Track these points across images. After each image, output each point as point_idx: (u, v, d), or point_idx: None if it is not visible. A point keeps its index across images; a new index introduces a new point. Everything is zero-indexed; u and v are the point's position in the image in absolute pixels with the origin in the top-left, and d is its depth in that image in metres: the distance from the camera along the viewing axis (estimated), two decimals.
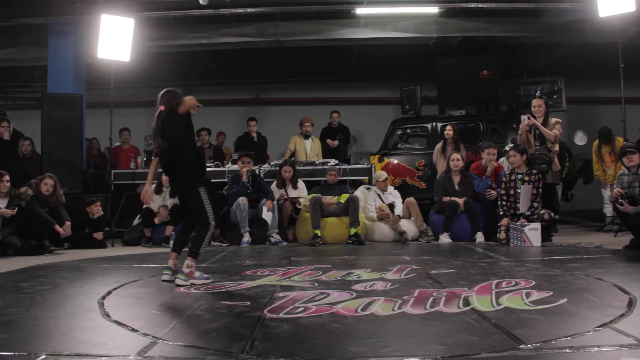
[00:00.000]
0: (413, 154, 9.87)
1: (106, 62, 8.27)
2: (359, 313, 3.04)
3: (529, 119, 6.93)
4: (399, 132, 10.08)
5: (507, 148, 8.02)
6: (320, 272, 4.55)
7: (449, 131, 8.30)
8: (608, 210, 8.19)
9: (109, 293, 3.77)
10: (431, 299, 3.33)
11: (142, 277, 4.52)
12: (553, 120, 6.99)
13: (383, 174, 7.92)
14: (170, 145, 4.20)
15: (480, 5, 9.17)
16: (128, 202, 8.67)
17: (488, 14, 9.89)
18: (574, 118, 11.93)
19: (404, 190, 8.82)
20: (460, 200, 7.18)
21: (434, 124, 9.98)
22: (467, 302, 3.22)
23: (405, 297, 3.39)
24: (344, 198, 7.58)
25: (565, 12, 9.25)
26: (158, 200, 7.71)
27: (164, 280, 4.24)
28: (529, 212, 6.57)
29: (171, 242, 6.80)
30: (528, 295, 3.39)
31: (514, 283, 3.81)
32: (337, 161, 8.66)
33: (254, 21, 9.95)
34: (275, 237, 7.34)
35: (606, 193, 8.38)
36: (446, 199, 7.33)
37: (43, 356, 2.30)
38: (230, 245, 7.27)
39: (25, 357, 2.30)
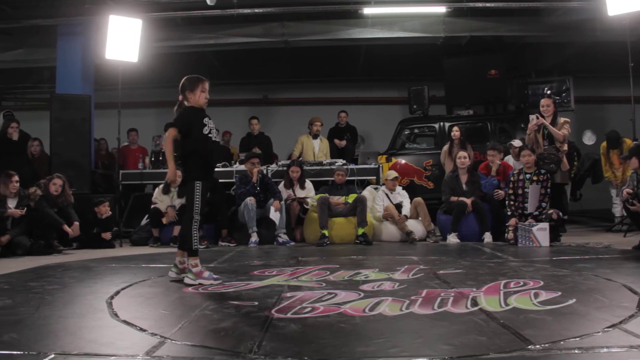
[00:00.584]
0: (421, 153, 9.85)
1: (114, 62, 8.30)
2: (366, 313, 3.03)
3: (537, 118, 6.90)
4: (406, 132, 10.06)
5: (513, 143, 8.02)
6: (328, 272, 4.54)
7: (455, 132, 8.27)
8: (617, 210, 8.15)
9: (117, 293, 3.78)
10: (439, 299, 3.32)
11: (150, 277, 4.53)
12: (562, 119, 6.96)
13: (392, 173, 7.91)
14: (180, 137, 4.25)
15: (487, 4, 9.15)
16: (136, 202, 8.70)
17: (496, 13, 9.86)
18: (583, 117, 11.86)
19: (412, 190, 8.81)
20: (468, 200, 7.16)
21: (441, 123, 9.96)
22: (475, 303, 3.20)
23: (413, 297, 3.38)
24: (351, 198, 7.57)
25: (573, 10, 9.19)
26: (166, 200, 7.73)
27: (171, 280, 4.27)
28: (537, 212, 6.55)
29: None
30: (536, 295, 3.38)
31: (522, 283, 3.79)
32: (344, 161, 8.66)
33: (261, 21, 9.97)
34: (283, 237, 7.34)
35: (615, 193, 8.33)
36: (454, 198, 7.31)
37: (52, 355, 2.31)
38: (238, 245, 7.28)
39: (34, 357, 2.31)
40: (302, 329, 2.72)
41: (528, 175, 6.70)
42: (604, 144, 8.71)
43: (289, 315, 3.01)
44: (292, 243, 7.37)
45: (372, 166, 8.82)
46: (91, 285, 4.27)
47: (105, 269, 5.21)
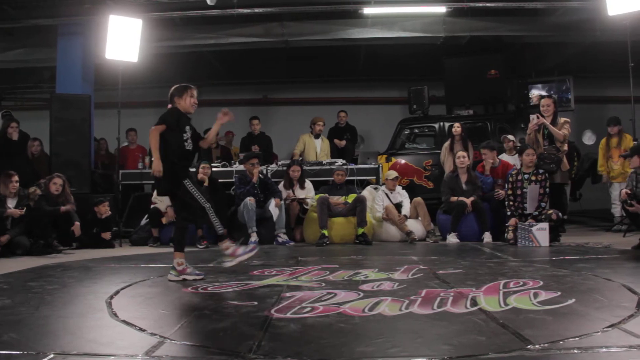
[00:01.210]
0: (420, 153, 9.84)
1: (114, 62, 8.29)
2: (366, 313, 3.04)
3: (537, 118, 6.90)
4: (406, 132, 10.06)
5: (508, 137, 8.05)
6: (328, 272, 4.55)
7: (457, 128, 8.25)
8: (616, 210, 8.15)
9: (117, 293, 3.78)
10: (438, 299, 3.33)
11: (149, 277, 4.54)
12: (562, 119, 6.96)
13: (393, 173, 7.91)
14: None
15: (488, 4, 9.13)
16: (136, 202, 8.70)
17: (496, 13, 9.85)
18: (583, 117, 11.85)
19: (412, 190, 8.80)
20: (468, 200, 7.16)
21: (441, 123, 9.95)
22: (474, 303, 3.21)
23: (412, 297, 3.38)
24: (351, 198, 7.57)
25: (573, 10, 9.19)
26: (165, 200, 7.71)
27: (170, 280, 4.28)
28: (536, 212, 6.55)
29: None
30: (536, 295, 3.38)
31: (521, 283, 3.80)
32: (344, 161, 8.65)
33: (261, 21, 9.96)
34: (283, 237, 7.34)
35: (614, 193, 8.32)
36: (454, 198, 7.31)
37: (51, 355, 2.31)
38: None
39: (33, 356, 2.32)
40: (301, 329, 2.72)
41: (526, 175, 6.71)
42: (604, 140, 8.70)
43: (288, 315, 3.01)
44: (292, 243, 7.37)
45: (372, 166, 8.82)
46: (91, 285, 4.28)
47: (105, 269, 5.22)
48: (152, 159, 4.44)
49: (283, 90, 13.91)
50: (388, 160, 9.64)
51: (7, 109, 10.16)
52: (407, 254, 5.95)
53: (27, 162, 8.25)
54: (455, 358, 2.22)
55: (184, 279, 4.23)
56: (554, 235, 6.50)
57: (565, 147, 7.02)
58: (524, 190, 6.66)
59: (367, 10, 9.32)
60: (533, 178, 6.65)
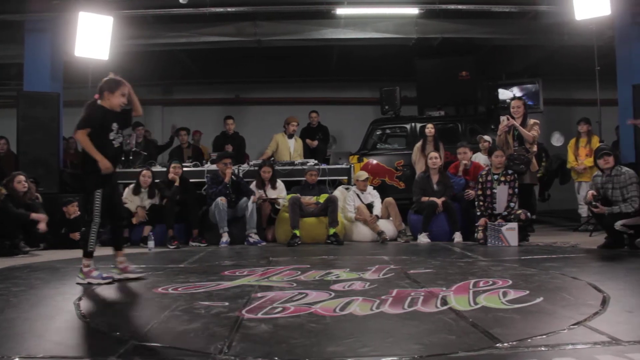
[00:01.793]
0: (392, 154, 9.88)
1: (84, 60, 8.17)
2: (337, 313, 3.04)
3: (508, 119, 6.98)
4: (378, 133, 10.09)
5: (484, 137, 8.15)
6: (299, 272, 4.54)
7: (430, 129, 8.32)
8: (583, 210, 8.29)
9: (85, 294, 3.73)
10: (409, 298, 3.35)
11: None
12: (531, 121, 7.05)
13: (364, 174, 7.94)
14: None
15: (459, 6, 9.23)
16: None
17: (467, 15, 9.94)
18: (551, 119, 12.05)
19: (383, 190, 8.84)
20: (439, 200, 7.23)
21: (413, 124, 10.02)
22: (444, 302, 3.24)
23: (383, 297, 3.40)
24: (323, 198, 7.59)
25: (543, 14, 9.33)
26: (136, 201, 7.63)
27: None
28: (506, 212, 6.64)
29: (149, 242, 6.82)
30: (505, 294, 3.43)
31: (491, 282, 3.85)
32: (316, 161, 8.65)
33: (234, 20, 9.90)
34: (254, 237, 7.31)
35: (581, 193, 8.47)
36: (425, 199, 7.37)
37: (16, 359, 2.26)
38: (209, 246, 7.23)
39: None
40: (272, 329, 2.72)
41: (496, 176, 6.79)
42: (573, 140, 8.83)
43: (259, 315, 3.01)
44: (263, 243, 7.34)
45: (344, 166, 8.83)
46: (59, 286, 4.21)
47: (74, 269, 5.10)
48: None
49: (256, 89, 13.85)
50: (360, 160, 9.66)
51: None
52: (378, 254, 5.98)
53: None
54: (425, 357, 2.25)
55: (89, 283, 4.17)
56: (523, 235, 6.59)
57: (535, 149, 7.11)
58: (494, 190, 6.75)
59: (340, 11, 9.33)
60: (502, 179, 6.74)
